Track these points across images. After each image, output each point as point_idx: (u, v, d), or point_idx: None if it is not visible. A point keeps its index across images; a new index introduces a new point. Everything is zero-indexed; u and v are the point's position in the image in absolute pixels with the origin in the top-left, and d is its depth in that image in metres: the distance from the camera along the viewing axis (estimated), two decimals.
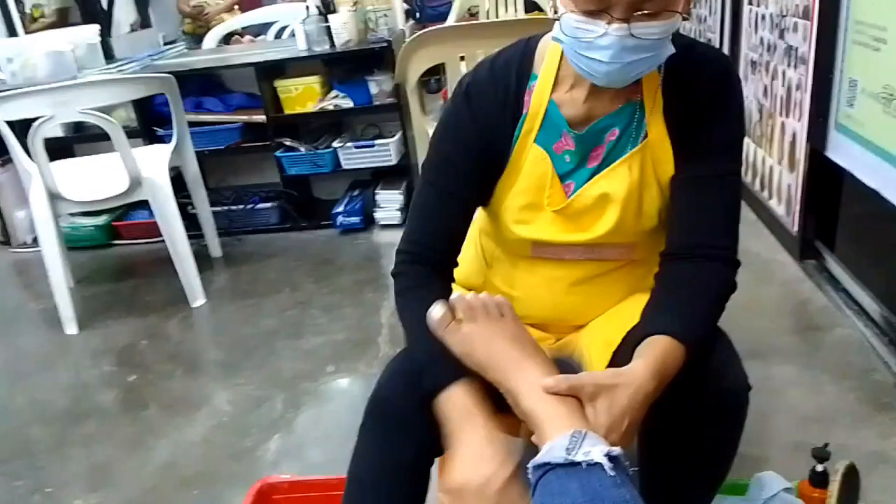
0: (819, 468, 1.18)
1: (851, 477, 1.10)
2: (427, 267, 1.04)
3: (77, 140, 3.20)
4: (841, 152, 1.97)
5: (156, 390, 2.05)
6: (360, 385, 1.97)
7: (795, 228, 2.27)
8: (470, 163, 1.04)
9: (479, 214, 1.21)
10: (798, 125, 2.21)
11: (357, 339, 2.18)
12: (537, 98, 1.01)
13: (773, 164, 2.46)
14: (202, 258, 2.77)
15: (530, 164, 1.03)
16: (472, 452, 0.87)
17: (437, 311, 0.94)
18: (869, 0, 1.77)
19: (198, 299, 2.53)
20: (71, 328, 2.42)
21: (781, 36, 2.31)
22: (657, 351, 0.88)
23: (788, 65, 2.27)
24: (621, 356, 0.99)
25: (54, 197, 2.33)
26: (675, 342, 0.89)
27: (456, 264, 1.09)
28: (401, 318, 1.04)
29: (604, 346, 1.05)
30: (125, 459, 1.76)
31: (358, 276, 2.64)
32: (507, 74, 1.03)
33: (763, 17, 2.50)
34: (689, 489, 1.01)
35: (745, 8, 2.71)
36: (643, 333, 0.92)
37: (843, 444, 1.43)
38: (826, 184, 2.11)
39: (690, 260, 0.98)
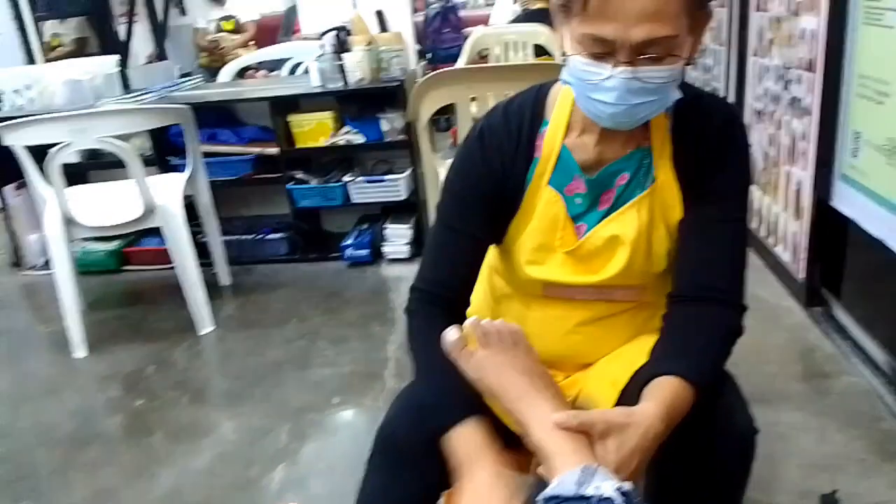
0: None
1: None
2: (439, 307, 1.06)
3: (91, 166, 3.24)
4: (846, 202, 2.01)
5: (161, 417, 2.05)
6: (366, 418, 1.97)
7: (802, 275, 2.29)
8: (482, 204, 1.06)
9: (491, 252, 1.24)
10: (803, 174, 2.25)
11: (363, 372, 2.19)
12: (549, 143, 1.04)
13: (778, 212, 2.49)
14: (211, 286, 2.78)
15: (543, 205, 1.05)
16: (480, 488, 0.89)
17: (451, 334, 0.94)
18: (872, 55, 1.83)
19: (206, 327, 2.55)
20: (79, 352, 2.43)
21: (786, 87, 2.37)
22: (666, 392, 0.89)
23: (793, 115, 2.32)
24: (628, 396, 1.00)
25: (68, 222, 2.37)
26: (685, 384, 0.90)
27: (468, 303, 1.11)
28: (411, 357, 1.06)
29: (610, 385, 1.06)
30: (129, 486, 1.75)
31: (365, 310, 2.65)
32: (521, 119, 1.06)
33: (768, 69, 2.56)
34: None
35: (750, 59, 2.77)
36: (652, 374, 0.93)
37: (850, 493, 1.43)
38: (832, 232, 2.14)
39: (698, 303, 1.00)
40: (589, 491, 0.75)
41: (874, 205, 1.82)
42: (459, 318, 1.07)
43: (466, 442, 0.93)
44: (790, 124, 2.35)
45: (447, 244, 1.08)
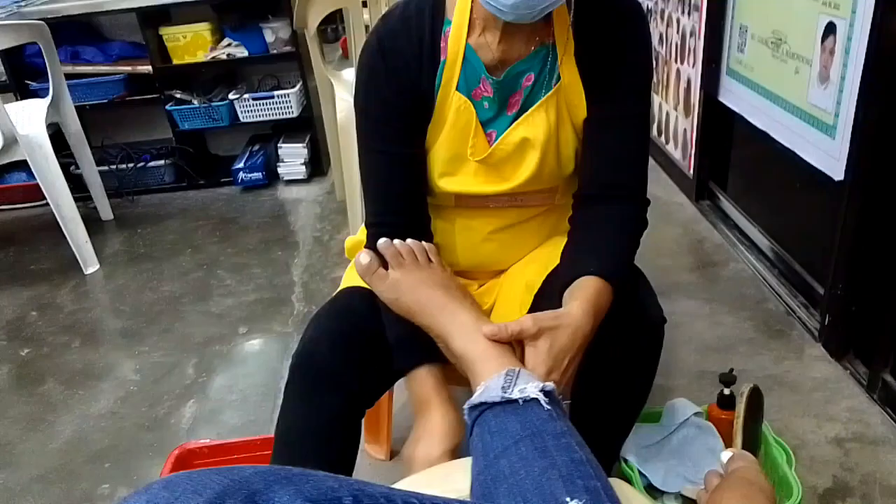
0: (726, 392, 1.26)
1: (755, 397, 1.18)
2: (397, 235, 1.01)
3: None
4: (732, 96, 2.07)
5: (53, 364, 1.92)
6: (276, 345, 1.92)
7: (691, 171, 2.38)
8: (400, 119, 1.01)
9: None
10: (692, 71, 2.29)
11: (269, 299, 2.12)
12: (454, 43, 0.99)
13: (669, 110, 2.55)
14: (91, 221, 2.59)
15: (454, 112, 1.01)
16: (425, 430, 0.93)
17: (363, 258, 0.93)
18: None
19: (90, 266, 2.38)
20: None
21: None
22: (589, 292, 0.91)
23: (682, 12, 2.34)
24: (544, 298, 1.02)
25: None
26: (603, 282, 0.92)
27: (428, 217, 1.08)
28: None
29: (525, 289, 1.07)
30: (25, 438, 1.65)
31: (265, 235, 2.55)
32: (420, 23, 1.00)
33: None
34: (613, 418, 1.06)
35: None
36: (572, 275, 0.94)
37: (742, 370, 1.52)
38: (719, 127, 2.22)
39: (604, 201, 1.01)
40: (514, 394, 0.76)
41: (759, 98, 1.89)
42: (422, 235, 1.04)
43: (420, 386, 0.95)
44: (679, 21, 2.37)
45: (379, 169, 1.04)
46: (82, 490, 1.47)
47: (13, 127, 2.15)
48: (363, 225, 1.12)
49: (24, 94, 2.75)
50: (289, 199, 2.86)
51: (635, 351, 0.99)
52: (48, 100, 2.39)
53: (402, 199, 1.05)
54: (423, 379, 0.96)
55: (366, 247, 1.04)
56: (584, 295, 0.90)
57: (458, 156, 1.03)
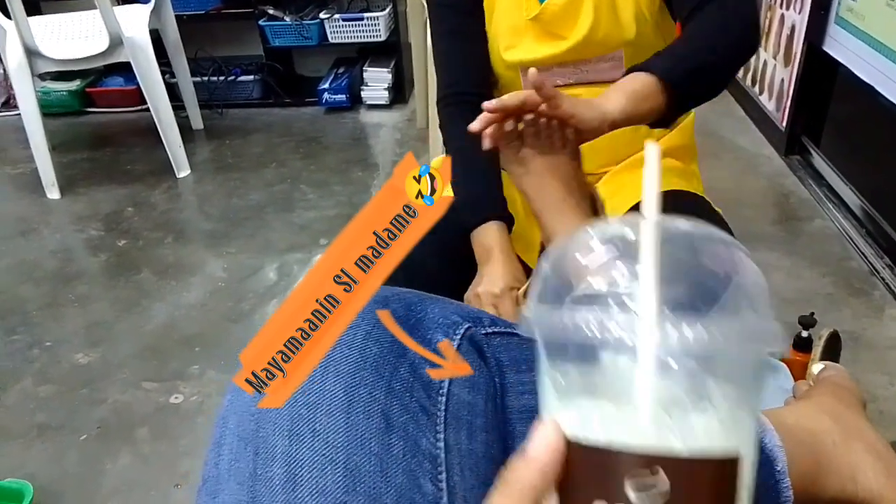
0: (804, 334, 1.26)
1: (834, 342, 1.18)
2: (467, 104, 1.04)
3: None
4: (838, 46, 1.98)
5: (147, 256, 2.05)
6: None
7: (784, 124, 2.30)
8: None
9: None
10: (798, 18, 2.20)
11: (349, 215, 2.17)
12: None
13: (767, 59, 2.46)
14: (183, 130, 2.68)
15: None
16: (486, 272, 0.96)
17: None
18: None
19: (182, 170, 2.49)
20: (53, 193, 2.37)
21: None
22: (633, 83, 0.83)
23: None
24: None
25: (32, 54, 2.22)
26: (655, 78, 0.83)
27: (492, 96, 1.06)
28: (446, 147, 1.07)
29: (622, 202, 1.06)
30: (122, 319, 1.78)
31: (345, 156, 2.61)
32: None
33: None
34: None
35: None
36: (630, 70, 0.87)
37: (818, 324, 1.52)
38: (819, 79, 2.13)
39: (699, 14, 0.92)
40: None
41: (868, 49, 1.80)
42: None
43: (486, 239, 0.97)
44: None
45: (450, 46, 1.08)
46: (173, 369, 1.59)
47: (120, 29, 2.24)
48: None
49: None
50: (370, 123, 2.90)
51: None
52: (151, 5, 2.47)
53: (472, 71, 1.07)
54: (489, 230, 0.97)
55: (441, 124, 1.06)
56: (623, 86, 0.82)
57: (517, 24, 1.04)
